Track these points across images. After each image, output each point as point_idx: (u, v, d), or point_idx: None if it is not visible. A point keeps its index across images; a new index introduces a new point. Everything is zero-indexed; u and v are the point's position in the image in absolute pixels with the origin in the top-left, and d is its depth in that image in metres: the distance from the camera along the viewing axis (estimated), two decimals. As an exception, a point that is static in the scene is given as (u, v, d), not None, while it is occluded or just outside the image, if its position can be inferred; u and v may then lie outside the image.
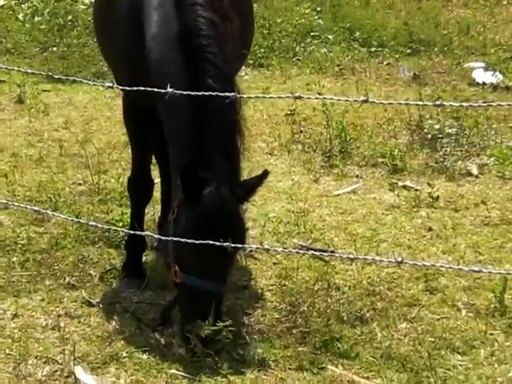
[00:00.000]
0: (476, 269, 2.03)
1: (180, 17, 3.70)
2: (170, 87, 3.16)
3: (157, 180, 5.00)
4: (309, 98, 2.50)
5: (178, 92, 2.88)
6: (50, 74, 3.55)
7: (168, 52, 3.71)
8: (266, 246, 2.78)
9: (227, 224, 3.50)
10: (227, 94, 2.98)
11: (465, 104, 2.10)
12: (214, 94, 3.03)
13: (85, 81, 3.54)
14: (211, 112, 3.53)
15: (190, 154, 3.61)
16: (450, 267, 2.76)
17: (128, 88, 3.16)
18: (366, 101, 2.26)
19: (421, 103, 2.31)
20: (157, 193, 4.98)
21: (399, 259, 2.25)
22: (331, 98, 2.59)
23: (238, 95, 3.38)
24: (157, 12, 3.79)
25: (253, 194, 3.65)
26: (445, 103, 2.14)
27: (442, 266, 2.36)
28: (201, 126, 3.59)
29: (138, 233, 3.66)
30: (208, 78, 3.60)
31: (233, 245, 2.80)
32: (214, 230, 3.42)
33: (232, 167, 3.60)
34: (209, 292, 3.56)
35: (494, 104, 2.11)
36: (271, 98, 3.01)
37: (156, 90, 2.95)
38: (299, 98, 2.39)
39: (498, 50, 8.21)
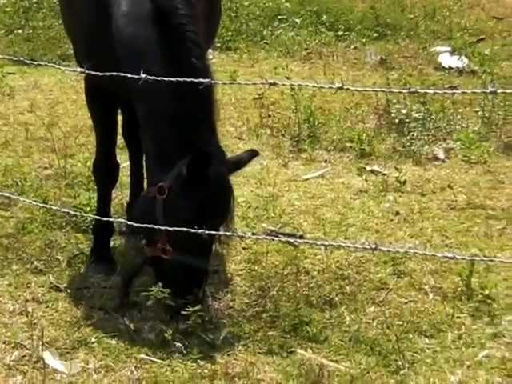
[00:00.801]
0: (449, 255, 2.05)
1: None
2: (148, 67, 3.15)
3: (124, 164, 4.98)
4: (284, 84, 2.49)
5: (152, 78, 2.85)
6: (17, 58, 3.50)
7: (142, 30, 3.68)
8: (239, 233, 2.79)
9: (227, 200, 3.68)
10: (202, 80, 2.97)
11: (439, 91, 2.11)
12: (183, 80, 3.00)
13: (56, 66, 3.52)
14: (192, 92, 3.52)
15: (172, 134, 3.62)
16: (424, 253, 2.76)
17: (100, 74, 3.12)
18: (341, 88, 2.26)
19: (395, 90, 2.32)
20: (124, 177, 4.96)
21: (373, 246, 2.26)
22: (306, 85, 2.59)
23: (212, 80, 3.39)
24: None
25: (238, 170, 3.85)
26: (418, 90, 2.15)
27: (415, 253, 2.38)
28: (182, 106, 3.58)
29: (110, 219, 3.64)
30: (192, 58, 3.61)
31: (207, 232, 2.80)
32: (216, 206, 3.61)
33: (220, 146, 3.70)
34: (198, 268, 3.64)
35: (468, 91, 2.12)
36: (246, 84, 2.98)
37: (129, 75, 2.92)
38: (274, 84, 2.39)
39: (464, 34, 8.26)
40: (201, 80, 3.03)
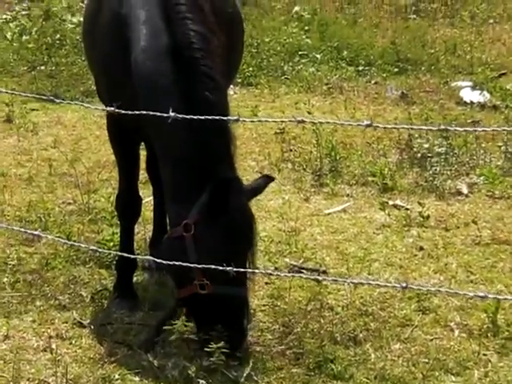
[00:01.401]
0: (480, 294, 2.03)
1: (170, 30, 3.71)
2: (163, 102, 3.16)
3: (147, 199, 4.99)
4: (312, 121, 2.50)
5: (181, 116, 2.86)
6: (39, 96, 3.54)
7: (159, 65, 3.71)
8: (263, 270, 2.78)
9: (251, 227, 3.71)
10: (230, 117, 3.00)
11: (469, 129, 2.10)
12: (212, 118, 3.02)
13: (78, 103, 3.54)
14: (208, 128, 3.54)
15: (189, 171, 3.64)
16: (455, 292, 2.71)
17: (124, 111, 3.15)
18: (370, 125, 2.26)
19: (425, 128, 2.31)
20: (147, 212, 4.98)
21: (404, 285, 2.24)
22: (334, 123, 2.60)
23: (232, 116, 3.41)
24: (145, 26, 3.79)
25: (256, 196, 3.87)
26: (448, 128, 2.14)
27: (446, 292, 2.35)
28: (200, 142, 3.60)
29: (134, 256, 3.66)
30: (205, 91, 3.63)
31: (235, 269, 2.79)
32: (243, 233, 3.65)
33: (238, 176, 3.72)
34: (239, 297, 3.66)
35: (499, 129, 2.10)
36: (274, 121, 2.99)
37: (158, 114, 2.94)
38: (302, 122, 2.39)
39: (485, 68, 8.26)
40: (229, 118, 3.05)
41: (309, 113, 6.48)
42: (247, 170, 6.07)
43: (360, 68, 8.58)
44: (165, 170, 3.81)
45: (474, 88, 7.68)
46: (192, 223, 3.63)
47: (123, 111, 3.14)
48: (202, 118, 2.95)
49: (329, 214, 5.45)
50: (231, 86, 7.56)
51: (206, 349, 3.57)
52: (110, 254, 4.52)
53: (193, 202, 3.63)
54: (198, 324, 3.71)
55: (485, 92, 7.51)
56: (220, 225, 3.61)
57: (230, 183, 3.59)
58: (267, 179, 3.97)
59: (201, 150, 3.62)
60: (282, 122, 2.86)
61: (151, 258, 3.60)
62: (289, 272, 4.57)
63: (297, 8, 10.29)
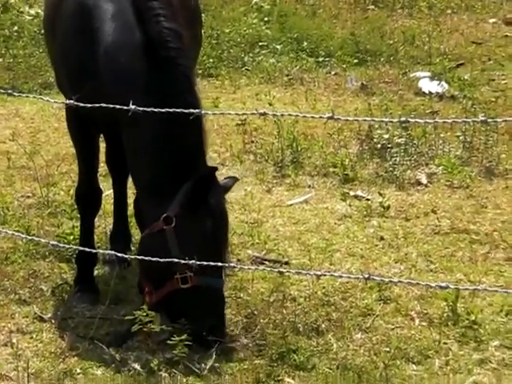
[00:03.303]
0: (442, 285, 2.05)
1: (143, 26, 3.69)
2: (138, 98, 3.16)
3: (107, 192, 4.95)
4: (274, 114, 2.50)
5: (141, 109, 2.85)
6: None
7: (132, 62, 3.69)
8: (229, 264, 2.79)
9: (227, 223, 3.83)
10: (192, 110, 3.01)
11: (429, 121, 2.12)
12: (180, 111, 3.02)
13: (37, 96, 3.50)
14: (183, 124, 3.53)
15: (166, 166, 3.65)
16: (417, 283, 2.75)
17: (82, 105, 3.11)
18: (331, 117, 2.27)
19: (386, 120, 2.33)
20: (107, 205, 4.94)
21: (366, 275, 2.26)
22: (296, 115, 2.61)
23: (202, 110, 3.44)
24: (114, 19, 3.75)
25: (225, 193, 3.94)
26: (409, 119, 2.16)
27: (409, 283, 2.38)
28: (175, 138, 3.62)
29: (95, 251, 3.64)
30: (183, 91, 3.64)
31: (198, 262, 2.78)
32: (222, 226, 3.76)
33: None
34: (220, 289, 3.75)
35: (459, 120, 2.13)
36: (236, 114, 2.98)
37: (118, 106, 2.91)
38: (264, 114, 2.40)
39: (444, 59, 8.33)
40: (191, 110, 3.04)
41: (270, 104, 6.49)
42: (208, 162, 6.04)
43: (320, 59, 8.60)
44: (138, 164, 3.78)
45: (432, 78, 7.74)
46: (173, 215, 3.62)
47: (82, 104, 3.11)
48: (163, 110, 2.93)
49: (291, 205, 5.47)
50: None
51: (168, 341, 3.56)
52: (70, 247, 4.48)
53: (170, 196, 3.63)
54: (169, 318, 3.71)
55: (443, 82, 7.58)
56: (201, 217, 3.65)
57: (211, 177, 3.66)
58: (234, 179, 4.07)
59: (177, 144, 3.63)
60: (244, 114, 2.85)
61: (112, 252, 3.58)
62: (251, 264, 4.58)
63: (256, -1, 10.28)
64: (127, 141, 3.79)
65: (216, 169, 3.79)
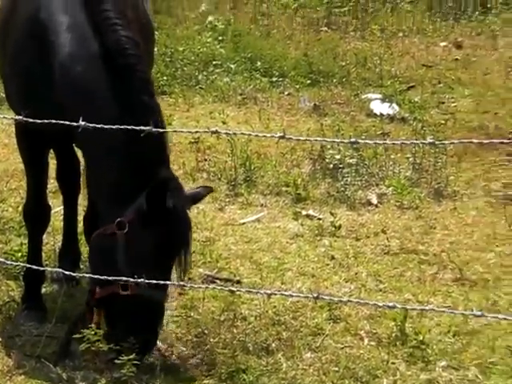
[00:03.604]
0: (390, 304, 2.08)
1: (100, 36, 3.67)
2: (98, 108, 3.13)
3: (57, 209, 4.90)
4: (226, 133, 2.52)
5: (91, 125, 2.83)
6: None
7: (90, 72, 3.66)
8: (180, 282, 2.78)
9: (187, 231, 3.69)
10: (143, 128, 2.99)
11: (379, 142, 2.15)
12: (124, 127, 2.99)
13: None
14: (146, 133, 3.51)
15: (127, 174, 3.59)
16: (366, 303, 2.77)
17: (31, 120, 3.08)
18: (282, 137, 2.30)
19: (337, 140, 2.35)
20: (56, 222, 4.89)
21: (315, 295, 2.28)
22: (249, 134, 2.63)
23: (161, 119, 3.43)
24: (70, 31, 3.72)
25: (195, 204, 3.86)
26: (359, 140, 2.20)
27: (357, 303, 2.40)
28: (136, 146, 3.53)
29: (43, 268, 3.57)
30: (143, 96, 3.61)
31: (147, 281, 2.76)
32: (178, 237, 3.62)
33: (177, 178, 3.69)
34: (160, 302, 3.63)
35: (407, 142, 2.16)
36: (189, 132, 2.98)
37: (67, 123, 2.89)
38: (216, 132, 2.41)
39: (395, 81, 8.45)
40: (142, 128, 3.02)
41: (223, 123, 6.51)
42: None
43: (274, 79, 8.66)
44: (96, 175, 3.74)
45: (383, 100, 7.85)
46: (126, 221, 3.58)
47: (31, 120, 3.08)
48: (114, 127, 2.92)
49: (243, 223, 5.48)
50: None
51: (116, 361, 3.53)
52: (17, 265, 4.42)
53: (128, 204, 3.58)
54: (109, 331, 3.67)
55: (394, 104, 7.69)
56: (155, 225, 3.56)
57: (169, 183, 3.56)
58: (208, 189, 3.98)
59: (138, 152, 3.56)
60: (197, 132, 2.85)
61: (60, 270, 3.54)
62: (202, 282, 4.57)
63: (211, 18, 10.31)
64: (86, 150, 3.76)
65: (173, 178, 3.66)
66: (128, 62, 3.64)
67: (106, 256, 3.36)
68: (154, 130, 2.96)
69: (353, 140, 2.13)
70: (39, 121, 3.04)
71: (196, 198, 3.86)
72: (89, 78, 3.66)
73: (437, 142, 2.12)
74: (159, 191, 3.53)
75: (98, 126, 2.84)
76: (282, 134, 2.30)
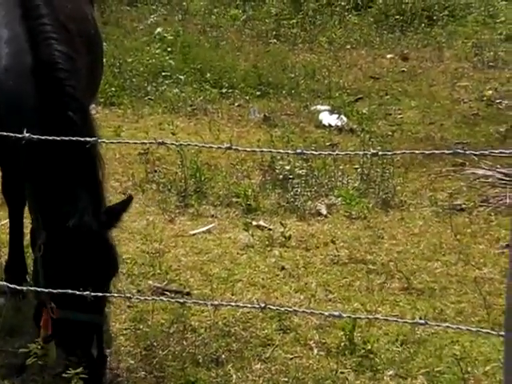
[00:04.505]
0: (335, 313, 2.10)
1: (35, 50, 3.63)
2: (26, 122, 3.08)
3: (3, 221, 4.83)
4: (172, 144, 2.52)
5: (36, 137, 2.80)
6: None
7: (22, 85, 3.63)
8: (127, 295, 2.75)
9: (95, 252, 3.49)
10: (88, 139, 2.94)
11: (323, 152, 2.18)
12: (69, 139, 2.95)
13: None
14: (72, 148, 3.46)
15: (51, 190, 3.53)
16: (311, 312, 2.80)
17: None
18: (229, 148, 2.31)
19: (282, 151, 2.37)
20: (3, 235, 4.81)
21: (262, 305, 2.29)
22: (195, 145, 2.64)
23: (95, 136, 3.36)
24: (7, 45, 3.70)
25: (119, 219, 3.63)
26: (304, 151, 2.23)
27: (303, 312, 2.43)
28: (60, 163, 3.51)
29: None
30: (69, 111, 3.56)
31: (93, 294, 2.74)
32: (82, 260, 3.44)
33: (95, 198, 3.57)
34: (86, 324, 3.50)
35: (352, 153, 2.19)
36: (135, 143, 2.97)
37: (12, 134, 2.86)
38: (162, 143, 2.41)
39: (343, 93, 8.55)
40: (87, 139, 3.00)
41: (173, 134, 6.50)
42: (110, 191, 5.96)
43: (223, 90, 8.68)
44: (28, 190, 3.70)
45: (332, 112, 7.92)
46: (41, 243, 3.54)
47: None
48: (58, 138, 2.89)
49: (193, 234, 5.47)
50: (93, 106, 7.46)
51: (64, 375, 3.48)
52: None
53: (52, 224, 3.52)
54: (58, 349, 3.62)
55: (342, 116, 7.77)
56: (62, 245, 3.47)
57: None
58: (128, 198, 3.81)
59: (60, 170, 3.53)
60: (143, 143, 2.84)
61: (4, 283, 3.48)
62: (152, 294, 4.55)
63: (159, 29, 10.29)
64: (22, 166, 3.72)
65: (88, 198, 3.50)
66: (58, 76, 3.59)
67: (34, 281, 3.33)
68: (101, 140, 2.93)
69: (298, 151, 2.15)
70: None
71: (113, 213, 3.62)
72: (19, 92, 3.62)
73: (380, 153, 2.15)
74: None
75: (42, 137, 2.81)
76: (228, 145, 2.31)
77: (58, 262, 3.47)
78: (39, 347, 3.49)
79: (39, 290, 3.11)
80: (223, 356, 3.97)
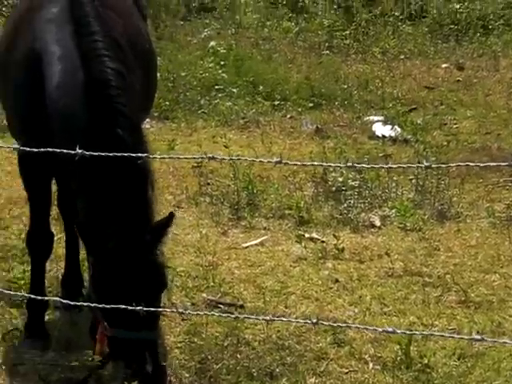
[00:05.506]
0: (389, 329, 2.06)
1: (87, 67, 3.67)
2: (78, 140, 3.12)
3: (59, 235, 4.90)
4: (223, 158, 2.52)
5: (88, 153, 2.83)
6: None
7: (75, 103, 3.66)
8: (180, 310, 2.75)
9: (140, 271, 3.49)
10: (140, 154, 2.97)
11: (375, 166, 2.16)
12: (126, 154, 2.98)
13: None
14: (121, 165, 3.48)
15: (97, 209, 3.56)
16: (365, 328, 2.76)
17: (29, 149, 3.08)
18: (279, 162, 2.31)
19: (333, 164, 2.35)
20: (59, 248, 4.88)
21: (314, 320, 2.27)
22: (245, 159, 2.64)
23: (146, 152, 3.38)
24: (60, 62, 3.74)
25: (163, 236, 3.60)
26: (356, 164, 2.20)
27: (357, 327, 2.39)
28: (111, 182, 3.53)
29: (41, 298, 3.57)
30: (118, 129, 3.57)
31: (145, 309, 2.76)
32: (127, 279, 3.44)
33: (141, 217, 3.56)
34: (140, 341, 3.50)
35: (404, 166, 2.16)
36: (186, 158, 2.97)
37: (65, 150, 2.89)
38: (213, 158, 2.42)
39: (397, 103, 8.48)
40: (139, 155, 3.02)
41: (226, 147, 6.52)
42: (164, 204, 6.02)
43: (276, 102, 8.69)
44: (79, 205, 3.75)
45: (385, 122, 7.86)
46: (91, 263, 3.59)
47: (28, 149, 3.07)
48: (111, 154, 2.92)
49: (246, 247, 5.47)
50: (147, 120, 7.55)
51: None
52: (20, 292, 4.42)
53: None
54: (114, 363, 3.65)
55: (396, 126, 7.70)
56: (103, 268, 3.50)
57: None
58: (170, 215, 3.68)
59: (107, 190, 3.53)
60: (194, 158, 2.84)
61: (58, 298, 3.52)
62: (206, 307, 4.56)
63: (212, 43, 10.36)
64: (72, 183, 3.76)
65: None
66: (108, 94, 3.62)
67: (88, 294, 3.36)
68: (151, 156, 2.94)
69: (349, 164, 2.13)
70: (35, 149, 3.03)
71: (157, 231, 3.58)
72: (72, 109, 3.65)
73: (434, 165, 2.11)
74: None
75: (94, 153, 2.83)
76: (279, 159, 2.30)
77: (104, 282, 3.49)
78: (96, 361, 3.52)
79: (92, 305, 3.12)
80: (277, 370, 3.95)
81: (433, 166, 2.15)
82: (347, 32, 10.87)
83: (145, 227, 3.54)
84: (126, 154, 3.00)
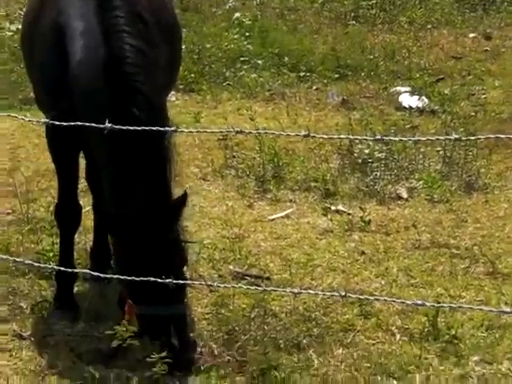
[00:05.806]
0: (418, 302, 2.06)
1: (107, 44, 3.66)
2: (96, 116, 3.13)
3: (87, 208, 4.93)
4: (250, 132, 2.51)
5: (117, 127, 2.84)
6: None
7: (95, 79, 3.67)
8: (206, 281, 2.77)
9: (159, 247, 3.53)
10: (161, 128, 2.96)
11: (403, 138, 2.14)
12: (149, 129, 2.98)
13: (12, 115, 3.46)
14: (139, 142, 3.49)
15: (116, 184, 3.60)
16: (392, 301, 2.76)
17: (58, 123, 3.09)
18: (307, 135, 2.29)
19: (359, 137, 2.34)
20: (88, 221, 4.92)
21: (342, 293, 2.27)
22: (272, 133, 2.62)
23: (169, 127, 3.38)
24: (83, 37, 3.74)
25: (180, 213, 3.65)
26: (384, 137, 2.18)
27: (385, 300, 2.39)
28: (127, 157, 3.55)
29: (71, 270, 3.62)
30: (134, 108, 3.57)
31: (174, 281, 2.77)
32: (146, 257, 3.48)
33: (158, 195, 3.60)
34: (166, 316, 3.55)
35: (433, 138, 2.14)
36: (213, 132, 2.97)
37: (94, 124, 2.90)
38: (240, 132, 2.41)
39: (424, 74, 8.38)
40: (167, 129, 3.02)
41: (251, 119, 6.50)
42: (190, 177, 6.05)
43: (301, 74, 8.62)
44: (102, 180, 3.77)
45: (412, 93, 7.78)
46: (112, 243, 3.66)
47: (57, 122, 3.09)
48: (139, 129, 2.92)
49: (272, 219, 5.47)
50: (173, 92, 7.54)
51: (148, 359, 3.54)
52: (49, 263, 4.46)
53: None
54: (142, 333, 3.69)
55: (423, 97, 7.62)
56: (123, 249, 3.56)
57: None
58: (184, 193, 3.72)
59: (125, 165, 3.56)
60: (221, 132, 2.84)
61: (87, 270, 3.56)
62: (232, 279, 4.58)
63: (237, 14, 10.30)
64: (95, 156, 3.78)
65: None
66: (126, 71, 3.61)
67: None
68: (178, 130, 2.94)
69: (378, 137, 2.11)
70: (65, 123, 3.05)
71: (173, 209, 3.64)
72: (92, 85, 3.65)
73: (463, 138, 2.09)
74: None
75: (123, 127, 2.84)
76: (306, 133, 2.29)
77: (125, 259, 3.56)
78: (124, 329, 3.56)
79: (121, 277, 3.15)
80: (304, 341, 3.97)
81: (462, 138, 2.12)
82: (373, 1, 10.74)
83: (163, 204, 3.57)
84: (148, 128, 2.99)
